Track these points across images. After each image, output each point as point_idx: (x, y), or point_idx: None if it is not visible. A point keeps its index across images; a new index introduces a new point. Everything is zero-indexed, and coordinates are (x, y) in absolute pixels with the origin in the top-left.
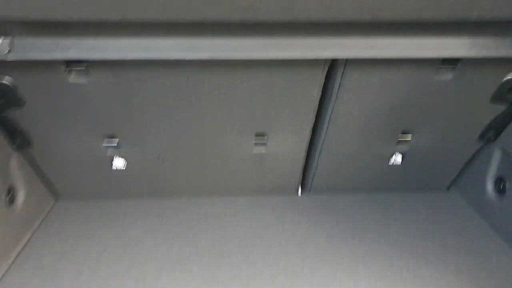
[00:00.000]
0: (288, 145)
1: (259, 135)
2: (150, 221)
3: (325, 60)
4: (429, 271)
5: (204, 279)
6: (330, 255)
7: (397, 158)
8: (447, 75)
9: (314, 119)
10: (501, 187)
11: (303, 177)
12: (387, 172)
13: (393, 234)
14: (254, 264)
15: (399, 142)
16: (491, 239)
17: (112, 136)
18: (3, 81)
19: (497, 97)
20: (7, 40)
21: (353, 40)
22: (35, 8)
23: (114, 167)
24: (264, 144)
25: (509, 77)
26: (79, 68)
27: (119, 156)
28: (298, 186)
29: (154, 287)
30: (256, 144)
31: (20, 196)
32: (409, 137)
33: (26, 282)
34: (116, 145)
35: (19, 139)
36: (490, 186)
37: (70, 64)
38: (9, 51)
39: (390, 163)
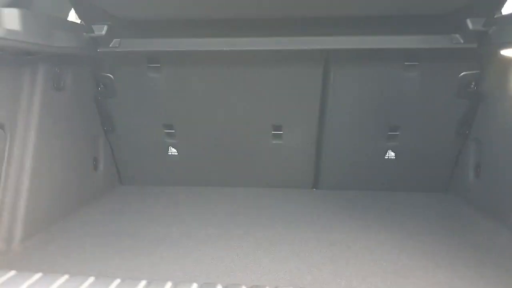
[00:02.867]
0: (300, 138)
1: (276, 127)
2: (192, 204)
3: (321, 58)
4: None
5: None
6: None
7: (391, 153)
8: (412, 72)
9: (318, 112)
10: (479, 171)
11: (316, 174)
12: (386, 169)
13: (397, 230)
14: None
15: (389, 136)
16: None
17: (170, 125)
18: (108, 74)
19: (460, 93)
20: (118, 40)
21: (340, 37)
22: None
23: (169, 152)
24: (280, 135)
25: (462, 74)
26: (156, 65)
27: (173, 144)
28: (312, 181)
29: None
30: (274, 135)
31: (100, 168)
32: (398, 132)
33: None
34: (173, 131)
35: (108, 124)
36: (471, 175)
37: (151, 61)
38: (118, 46)
39: (386, 157)
